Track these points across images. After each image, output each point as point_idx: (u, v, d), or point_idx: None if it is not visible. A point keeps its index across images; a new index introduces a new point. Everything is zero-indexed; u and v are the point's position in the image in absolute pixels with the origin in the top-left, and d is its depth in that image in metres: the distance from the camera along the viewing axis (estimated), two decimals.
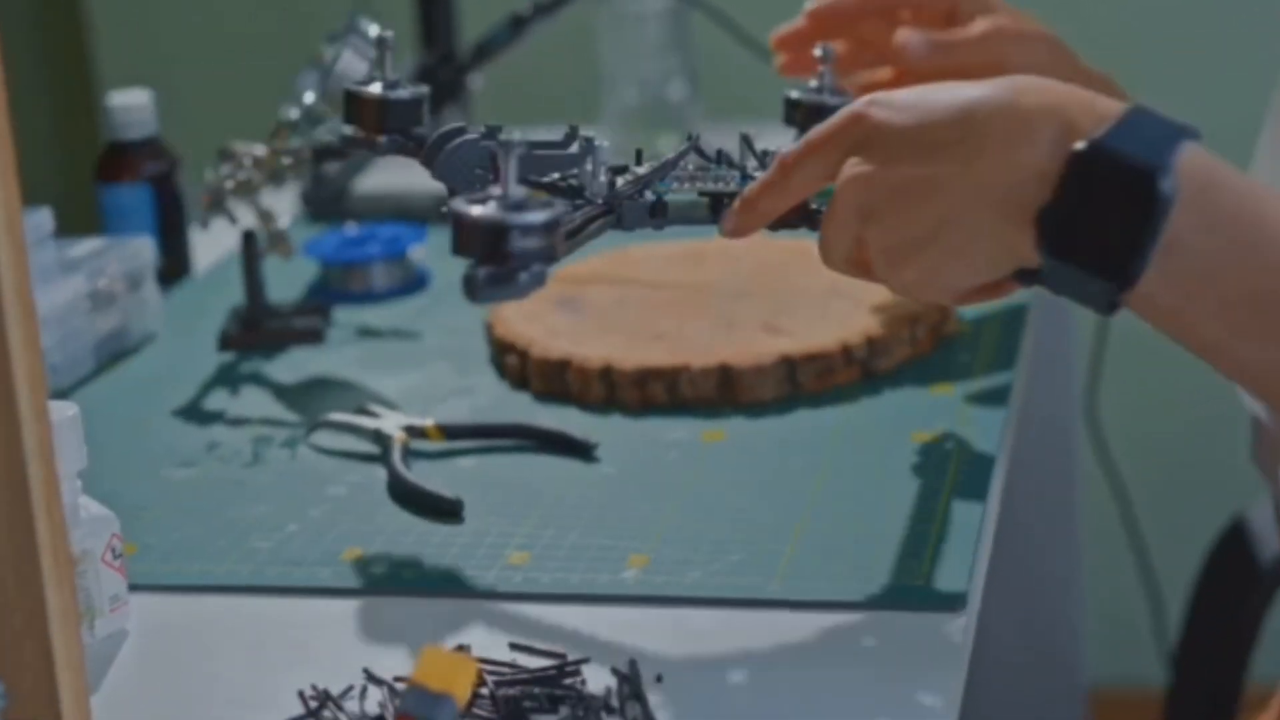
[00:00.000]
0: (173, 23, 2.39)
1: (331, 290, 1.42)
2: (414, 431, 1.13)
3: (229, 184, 1.29)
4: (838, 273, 0.92)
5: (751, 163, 0.99)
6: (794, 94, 1.13)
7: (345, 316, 1.37)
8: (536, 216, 0.84)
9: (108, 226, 1.42)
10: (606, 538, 1.00)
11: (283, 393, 1.24)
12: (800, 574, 0.95)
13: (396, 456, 1.09)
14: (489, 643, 0.90)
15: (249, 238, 1.31)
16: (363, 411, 1.16)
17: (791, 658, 0.88)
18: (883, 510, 1.01)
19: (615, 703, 0.83)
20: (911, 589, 0.93)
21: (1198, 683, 1.43)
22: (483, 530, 1.02)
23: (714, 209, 0.98)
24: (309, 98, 1.30)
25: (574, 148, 0.98)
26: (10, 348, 0.67)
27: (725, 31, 1.70)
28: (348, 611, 0.95)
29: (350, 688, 0.86)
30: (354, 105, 1.02)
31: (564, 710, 0.83)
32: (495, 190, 0.85)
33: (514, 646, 0.89)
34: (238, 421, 1.19)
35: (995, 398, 1.15)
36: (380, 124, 1.02)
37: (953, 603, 0.91)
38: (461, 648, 0.89)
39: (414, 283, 1.42)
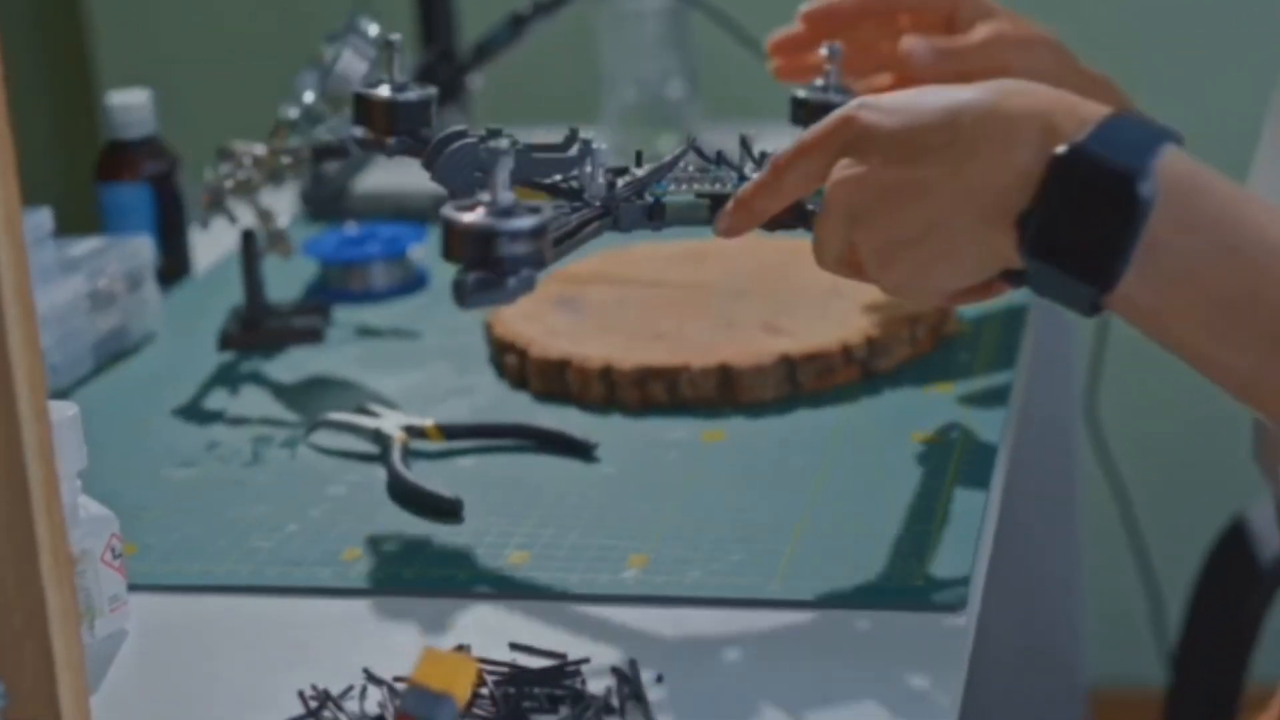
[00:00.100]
0: (172, 22, 2.39)
1: (331, 290, 1.42)
2: (414, 431, 1.13)
3: (228, 183, 1.29)
4: (831, 273, 0.93)
5: (749, 165, 0.99)
6: (800, 93, 1.14)
7: (345, 316, 1.37)
8: (524, 222, 0.86)
9: (107, 226, 1.42)
10: (606, 537, 1.00)
11: (282, 392, 1.24)
12: (800, 574, 0.95)
13: (396, 456, 1.09)
14: (489, 643, 0.89)
15: (248, 237, 1.31)
16: (362, 411, 1.16)
17: (792, 658, 0.88)
18: (883, 510, 1.01)
19: (615, 703, 0.83)
20: (911, 589, 0.93)
21: (1198, 682, 1.43)
22: (482, 530, 1.02)
23: (713, 210, 0.98)
24: (308, 97, 1.29)
25: (573, 150, 0.99)
26: (10, 347, 0.67)
27: (725, 31, 1.70)
28: (348, 611, 0.95)
29: (350, 688, 0.86)
30: (363, 107, 1.04)
31: (564, 710, 0.83)
32: (484, 196, 0.86)
33: (514, 646, 0.89)
34: (237, 421, 1.19)
35: (995, 397, 1.15)
36: (389, 126, 1.03)
37: (953, 603, 0.91)
38: (461, 648, 0.89)
39: (413, 282, 1.42)
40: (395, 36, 1.06)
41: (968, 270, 0.87)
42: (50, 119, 2.43)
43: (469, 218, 0.86)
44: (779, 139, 1.02)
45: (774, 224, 0.96)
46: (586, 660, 0.87)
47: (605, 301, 1.29)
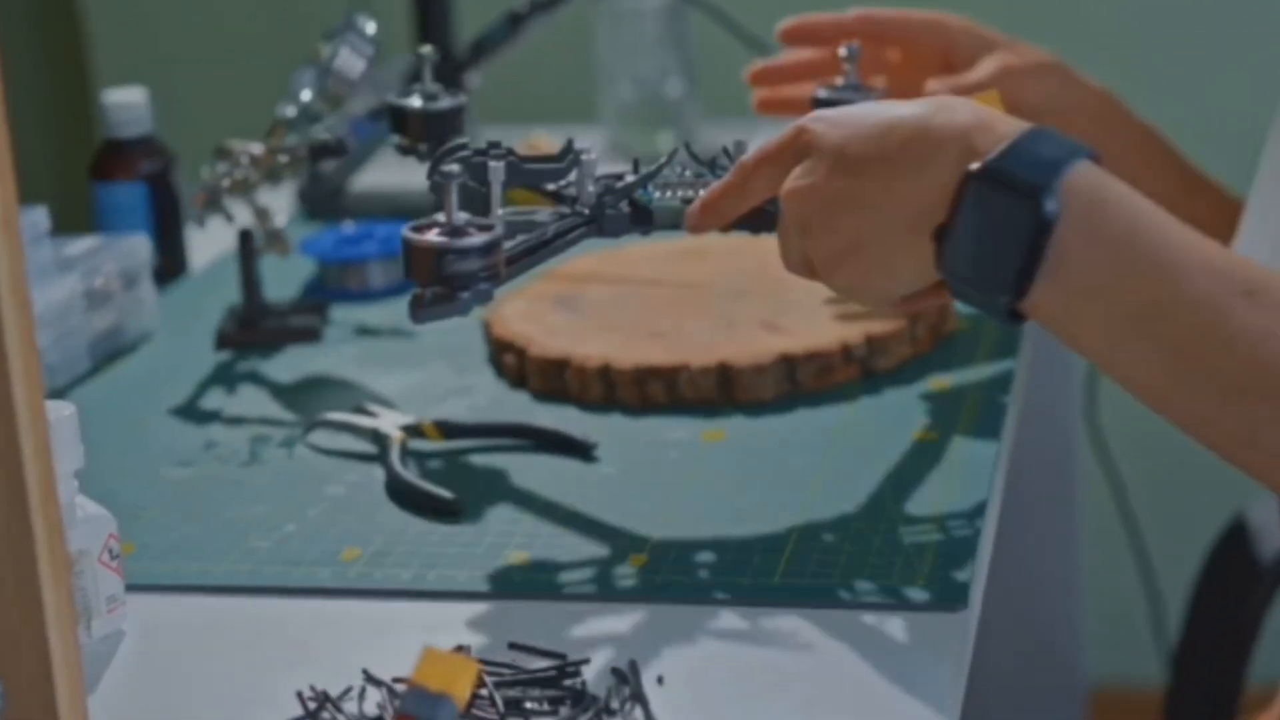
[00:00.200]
0: (169, 21, 2.38)
1: (328, 289, 1.41)
2: (412, 431, 1.12)
3: (225, 182, 1.29)
4: (797, 275, 0.96)
5: None
6: (821, 92, 1.15)
7: (342, 315, 1.36)
8: (473, 241, 0.92)
9: (103, 225, 1.41)
10: (606, 537, 1.00)
11: (280, 392, 1.24)
12: (800, 574, 0.94)
13: (395, 456, 1.09)
14: (488, 643, 0.89)
15: (245, 236, 1.31)
16: (361, 411, 1.15)
17: (792, 658, 0.88)
18: (883, 510, 1.01)
19: (616, 704, 0.83)
20: (911, 589, 0.92)
21: (1198, 682, 1.43)
22: (481, 530, 1.01)
23: None
24: (306, 95, 1.29)
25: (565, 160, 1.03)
26: (7, 347, 0.66)
27: (723, 29, 1.70)
28: (346, 611, 0.95)
29: (349, 688, 0.86)
30: (397, 116, 1.10)
31: (564, 711, 0.83)
32: (440, 217, 0.92)
33: (513, 647, 0.89)
34: (235, 421, 1.19)
35: (995, 397, 1.15)
36: (422, 134, 1.10)
37: (953, 603, 0.91)
38: (461, 648, 0.88)
39: (411, 281, 1.41)
40: (426, 48, 1.13)
41: (903, 280, 0.90)
42: (46, 117, 2.43)
43: (422, 238, 0.92)
44: None
45: (741, 224, 0.99)
46: (586, 661, 0.86)
47: (604, 300, 1.28)
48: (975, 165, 0.85)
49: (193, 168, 1.36)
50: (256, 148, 1.29)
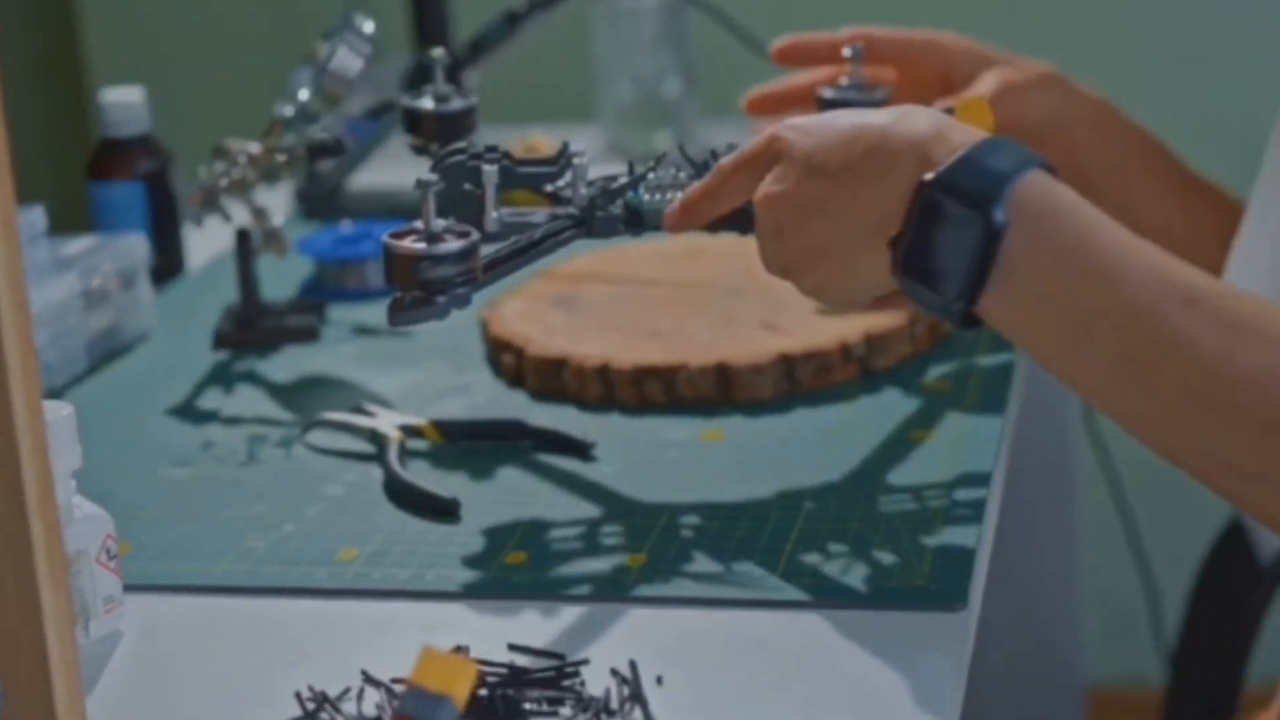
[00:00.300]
0: (166, 20, 2.38)
1: (326, 288, 1.41)
2: (410, 430, 1.12)
3: (223, 182, 1.29)
4: (774, 276, 0.99)
5: None
6: (827, 93, 1.17)
7: (340, 315, 1.36)
8: (448, 248, 0.95)
9: (100, 224, 1.41)
10: (605, 538, 0.99)
11: (278, 392, 1.24)
12: (800, 574, 0.94)
13: (393, 456, 1.09)
14: (487, 644, 0.89)
15: (243, 236, 1.31)
16: (358, 410, 1.15)
17: (792, 658, 0.88)
18: (882, 510, 1.00)
19: (615, 704, 0.83)
20: (911, 589, 0.92)
21: (1197, 682, 1.43)
22: (480, 530, 1.01)
23: None
24: (303, 95, 1.29)
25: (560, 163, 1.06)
26: (4, 347, 0.66)
27: (721, 27, 1.69)
28: (345, 612, 0.94)
29: (348, 689, 0.86)
30: (411, 118, 1.14)
31: (564, 712, 0.82)
32: (418, 224, 0.96)
33: (512, 647, 0.88)
34: (233, 420, 1.19)
35: (994, 396, 1.14)
36: (435, 134, 1.13)
37: (953, 602, 0.91)
38: (460, 649, 0.88)
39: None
40: (438, 51, 1.16)
41: (867, 284, 0.93)
42: (43, 116, 2.42)
43: (400, 244, 0.95)
44: None
45: (727, 225, 1.02)
46: (586, 661, 0.86)
47: (602, 300, 1.28)
48: (929, 175, 0.88)
49: (190, 167, 1.36)
50: (254, 147, 1.28)
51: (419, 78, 1.61)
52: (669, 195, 1.04)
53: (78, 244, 1.32)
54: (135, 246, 1.34)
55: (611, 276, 1.32)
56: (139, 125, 1.42)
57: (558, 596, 0.94)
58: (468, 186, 1.04)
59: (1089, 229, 0.86)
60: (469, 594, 0.95)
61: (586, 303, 1.28)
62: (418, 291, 0.95)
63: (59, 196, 1.53)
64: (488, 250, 1.01)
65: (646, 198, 1.05)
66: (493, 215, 1.03)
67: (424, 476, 1.07)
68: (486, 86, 1.71)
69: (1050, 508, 1.61)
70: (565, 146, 1.06)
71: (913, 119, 0.91)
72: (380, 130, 1.50)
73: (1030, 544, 1.61)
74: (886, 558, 0.95)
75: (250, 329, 1.31)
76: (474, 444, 1.12)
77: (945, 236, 0.87)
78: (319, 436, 1.15)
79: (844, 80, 1.18)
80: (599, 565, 0.96)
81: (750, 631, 0.90)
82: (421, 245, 0.95)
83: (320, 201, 1.58)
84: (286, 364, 1.28)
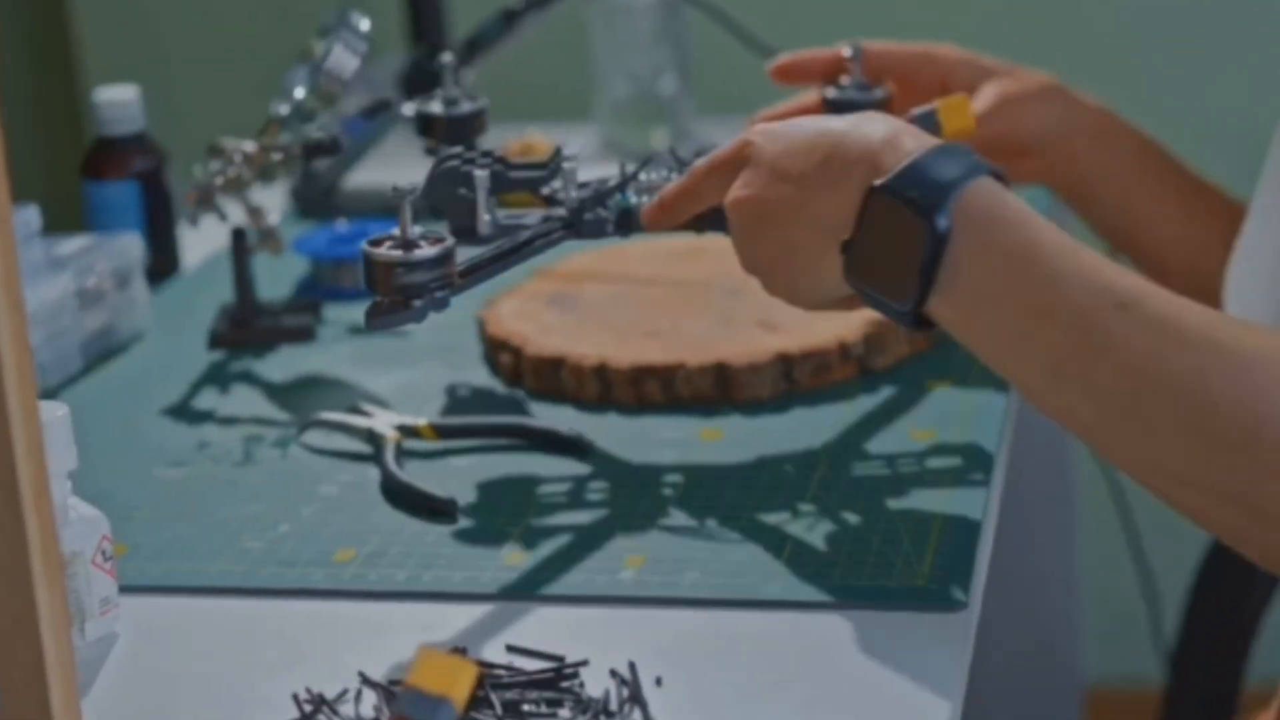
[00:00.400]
0: (160, 18, 2.38)
1: (322, 287, 1.41)
2: (407, 430, 1.12)
3: (218, 181, 1.28)
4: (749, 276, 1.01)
5: None
6: (830, 93, 1.20)
7: (336, 314, 1.36)
8: (423, 254, 0.98)
9: (95, 224, 1.40)
10: (603, 538, 0.99)
11: (274, 391, 1.23)
12: (799, 574, 0.94)
13: (389, 456, 1.08)
14: (485, 645, 0.89)
15: (238, 235, 1.30)
16: (355, 410, 1.15)
17: (792, 658, 0.87)
18: (882, 510, 1.00)
19: (615, 706, 0.82)
20: (911, 589, 0.92)
21: (1196, 681, 1.43)
22: (478, 530, 1.01)
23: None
24: (299, 93, 1.28)
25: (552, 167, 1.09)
26: (0, 346, 0.66)
27: (718, 25, 1.69)
28: (342, 613, 0.94)
29: (345, 691, 0.85)
30: (423, 121, 1.17)
31: (563, 713, 0.82)
32: (395, 231, 0.99)
33: (511, 649, 0.88)
34: (228, 420, 1.18)
35: (994, 395, 1.14)
36: (446, 136, 1.16)
37: (953, 603, 0.91)
38: (458, 650, 0.88)
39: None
40: (447, 56, 1.19)
41: (828, 287, 0.96)
42: (37, 115, 2.42)
43: (376, 251, 0.98)
44: None
45: (703, 225, 1.06)
46: (585, 662, 0.86)
47: (600, 299, 1.28)
48: (877, 182, 0.90)
49: (185, 166, 1.36)
50: (249, 146, 1.28)
51: (416, 77, 1.61)
52: (656, 196, 1.06)
53: (72, 243, 1.32)
54: (130, 246, 1.33)
55: (608, 276, 1.32)
56: (134, 124, 1.42)
57: (556, 597, 0.94)
58: (463, 191, 1.07)
59: (1031, 235, 0.88)
60: (467, 595, 0.94)
61: (584, 302, 1.27)
62: (395, 296, 0.98)
63: (53, 196, 1.53)
64: (479, 252, 1.04)
65: (634, 200, 1.08)
66: (485, 218, 1.06)
67: (421, 477, 1.06)
68: (482, 85, 1.71)
69: (1050, 508, 1.61)
70: (558, 151, 1.09)
71: (868, 126, 0.93)
72: (376, 129, 1.50)
73: (1030, 544, 1.61)
74: (886, 558, 0.95)
75: (246, 328, 1.31)
76: (471, 444, 1.11)
77: (892, 242, 0.90)
78: (315, 436, 1.14)
79: (845, 80, 1.19)
80: (598, 565, 0.96)
81: (750, 631, 0.90)
82: (398, 252, 0.98)
83: (316, 200, 1.58)
84: (282, 364, 1.28)
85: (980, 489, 1.02)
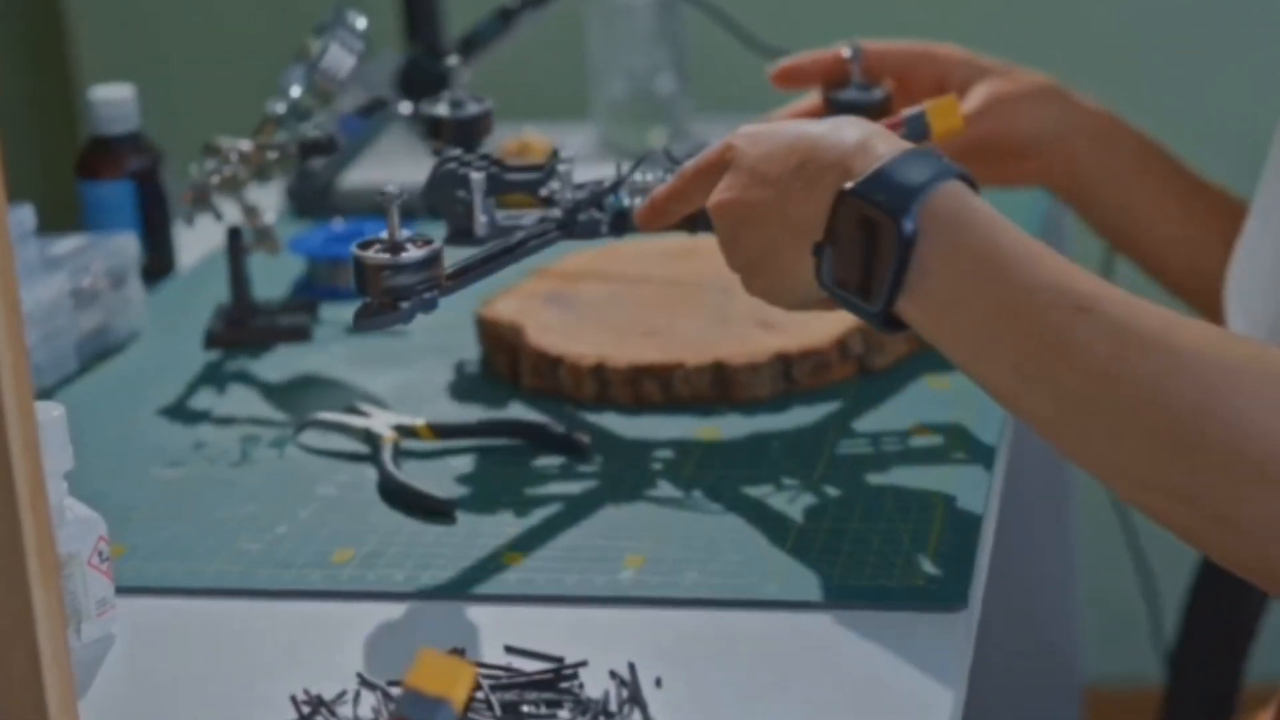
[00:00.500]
0: (155, 17, 2.37)
1: (318, 287, 1.40)
2: (404, 430, 1.11)
3: (214, 180, 1.28)
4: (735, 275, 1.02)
5: None
6: (833, 95, 1.21)
7: (333, 313, 1.35)
8: (410, 257, 0.99)
9: (90, 223, 1.40)
10: (602, 538, 0.99)
11: (270, 391, 1.23)
12: (798, 574, 0.94)
13: (387, 456, 1.08)
14: (484, 646, 0.88)
15: (234, 234, 1.30)
16: (352, 410, 1.14)
17: (791, 659, 0.87)
18: (881, 509, 1.00)
19: (614, 707, 0.82)
20: (911, 589, 0.92)
21: (1195, 681, 1.42)
22: (476, 531, 1.00)
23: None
24: (295, 91, 1.28)
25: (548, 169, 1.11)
26: None
27: (716, 24, 1.69)
28: (340, 614, 0.94)
29: (343, 692, 0.85)
30: (429, 123, 1.19)
31: (563, 714, 0.82)
32: (384, 234, 1.00)
33: (509, 650, 0.88)
34: (225, 421, 1.18)
35: None
36: (453, 138, 1.16)
37: (953, 602, 0.90)
38: (457, 651, 0.87)
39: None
40: (453, 59, 1.22)
41: (806, 288, 0.97)
42: (32, 114, 2.41)
43: (364, 254, 0.99)
44: None
45: (692, 225, 1.07)
46: (584, 663, 0.85)
47: (597, 298, 1.27)
48: (847, 186, 0.92)
49: (181, 165, 1.35)
50: (245, 145, 1.28)
51: (412, 76, 1.61)
52: (638, 200, 1.08)
53: (67, 243, 1.31)
54: (125, 245, 1.33)
55: (606, 274, 1.31)
56: (129, 123, 1.41)
57: (555, 598, 0.93)
58: (461, 193, 1.09)
59: (997, 238, 0.89)
60: (465, 595, 0.94)
61: (581, 301, 1.27)
62: (383, 298, 1.00)
63: (48, 195, 1.52)
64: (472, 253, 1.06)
65: (628, 201, 1.09)
66: (481, 220, 1.09)
67: (418, 477, 1.06)
68: (479, 84, 1.70)
69: (1049, 508, 1.61)
70: (555, 153, 1.10)
71: (844, 131, 0.95)
72: (372, 127, 1.49)
73: (1029, 544, 1.61)
74: (886, 557, 0.95)
75: (242, 328, 1.30)
76: (469, 444, 1.11)
77: (862, 245, 0.91)
78: (312, 437, 1.14)
79: (847, 80, 1.20)
80: (597, 565, 0.96)
81: (750, 631, 0.89)
82: (385, 255, 0.99)
83: (312, 199, 1.57)
84: (279, 363, 1.27)
85: (980, 489, 1.02)
